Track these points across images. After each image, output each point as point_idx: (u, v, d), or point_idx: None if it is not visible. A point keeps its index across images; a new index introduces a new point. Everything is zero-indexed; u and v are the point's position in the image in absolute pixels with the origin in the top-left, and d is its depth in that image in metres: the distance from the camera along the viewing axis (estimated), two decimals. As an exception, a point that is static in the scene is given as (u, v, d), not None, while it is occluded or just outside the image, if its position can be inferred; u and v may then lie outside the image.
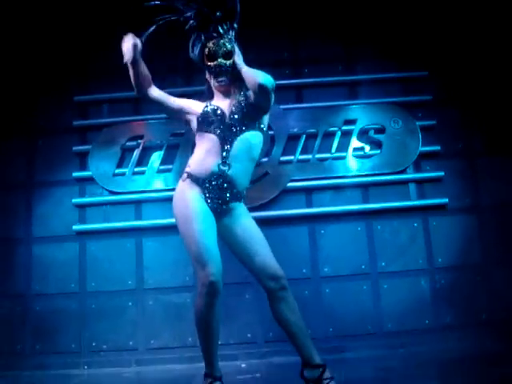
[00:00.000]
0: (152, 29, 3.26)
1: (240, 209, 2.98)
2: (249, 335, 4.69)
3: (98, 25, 5.33)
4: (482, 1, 5.09)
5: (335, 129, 5.04)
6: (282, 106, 5.06)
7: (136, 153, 5.06)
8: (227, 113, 2.95)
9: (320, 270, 4.86)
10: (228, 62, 2.98)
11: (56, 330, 4.83)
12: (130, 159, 5.06)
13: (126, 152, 5.11)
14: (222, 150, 2.87)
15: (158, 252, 4.94)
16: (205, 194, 2.88)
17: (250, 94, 2.93)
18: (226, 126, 2.91)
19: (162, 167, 5.04)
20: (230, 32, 3.06)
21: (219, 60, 2.97)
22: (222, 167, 2.85)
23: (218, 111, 2.96)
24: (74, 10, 5.25)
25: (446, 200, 4.93)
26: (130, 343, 4.77)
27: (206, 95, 3.14)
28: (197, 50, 3.07)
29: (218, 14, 3.02)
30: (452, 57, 5.26)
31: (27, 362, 4.74)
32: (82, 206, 5.06)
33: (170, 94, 3.26)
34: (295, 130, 5.04)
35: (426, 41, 5.28)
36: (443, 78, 5.24)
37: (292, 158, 4.98)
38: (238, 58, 2.99)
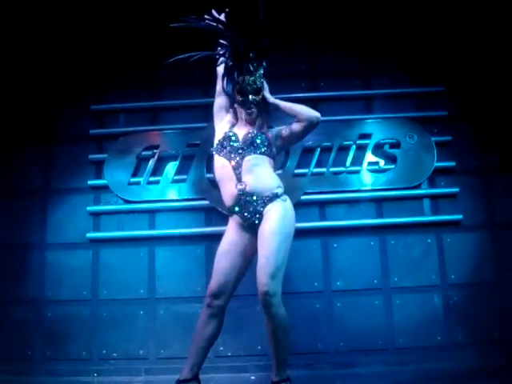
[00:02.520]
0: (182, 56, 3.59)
1: (271, 210, 3.19)
2: (259, 347, 4.67)
3: (116, 35, 5.39)
4: (499, 18, 5.09)
5: (350, 143, 5.04)
6: (297, 119, 5.07)
7: (151, 162, 5.08)
8: (241, 138, 3.32)
9: (332, 283, 4.84)
10: (258, 98, 3.34)
11: (67, 336, 4.84)
12: (145, 169, 5.08)
13: (142, 161, 5.13)
14: (234, 170, 3.22)
15: (171, 262, 4.94)
16: (241, 215, 3.22)
17: (288, 128, 3.40)
18: (236, 150, 3.27)
19: (176, 177, 5.06)
20: (260, 69, 3.39)
21: (250, 96, 3.32)
22: (240, 187, 3.18)
23: (233, 137, 3.34)
24: (93, 20, 5.32)
25: (460, 216, 4.90)
26: (141, 352, 4.77)
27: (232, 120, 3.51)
28: (230, 87, 3.39)
29: (251, 54, 3.33)
30: (468, 73, 5.25)
31: (37, 368, 4.75)
32: (96, 214, 5.08)
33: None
34: (310, 143, 5.04)
35: (443, 56, 5.28)
36: (459, 94, 5.23)
37: (306, 170, 4.98)
38: (267, 93, 3.38)
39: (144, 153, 5.12)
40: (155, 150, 5.10)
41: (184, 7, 5.18)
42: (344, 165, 5.00)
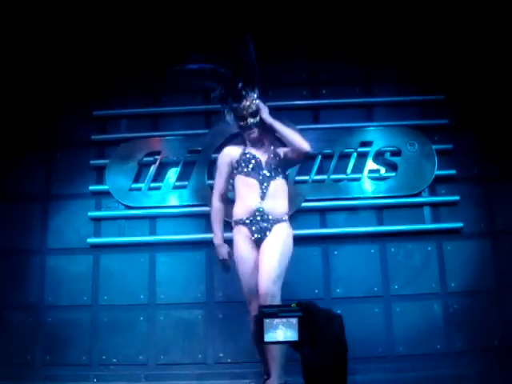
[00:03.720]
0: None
1: (276, 229, 3.57)
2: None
3: (118, 41, 5.41)
4: (499, 27, 5.10)
5: (351, 150, 5.05)
6: (298, 127, 5.06)
7: (152, 168, 5.09)
8: (264, 161, 3.67)
9: (332, 290, 4.84)
10: (255, 120, 3.67)
11: (67, 342, 4.83)
12: (147, 174, 5.09)
13: (143, 167, 5.14)
14: (261, 191, 3.57)
15: (171, 268, 4.95)
16: (251, 228, 3.56)
17: (283, 150, 3.71)
18: (263, 173, 3.63)
19: (177, 183, 5.07)
20: (253, 92, 3.71)
21: (248, 120, 3.67)
22: (259, 205, 3.55)
23: (257, 160, 3.67)
24: (96, 26, 5.34)
25: (460, 224, 4.91)
26: (140, 358, 4.76)
27: (239, 141, 3.90)
28: (230, 116, 3.77)
29: (239, 85, 3.68)
30: (469, 81, 5.26)
31: (37, 373, 4.74)
32: (97, 220, 5.09)
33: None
34: (311, 150, 5.05)
35: (444, 65, 5.29)
36: (460, 103, 5.24)
37: (307, 178, 4.99)
38: (266, 114, 3.67)
39: (145, 159, 5.13)
40: (156, 156, 5.11)
41: (185, 16, 5.31)
42: (345, 172, 5.01)
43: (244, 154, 3.74)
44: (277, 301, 3.33)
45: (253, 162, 3.68)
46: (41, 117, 5.37)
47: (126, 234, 5.04)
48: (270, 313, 2.23)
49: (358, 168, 5.02)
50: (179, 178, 5.07)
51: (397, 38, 5.35)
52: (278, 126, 3.66)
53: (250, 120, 3.67)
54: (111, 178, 5.12)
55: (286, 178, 3.78)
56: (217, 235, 3.81)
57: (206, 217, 4.95)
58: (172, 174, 5.10)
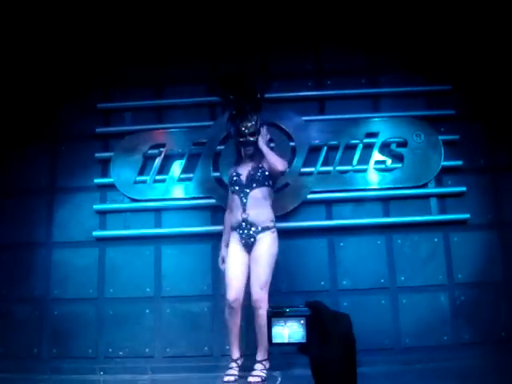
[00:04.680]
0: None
1: (263, 238, 4.14)
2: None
3: (121, 33, 5.40)
4: (506, 16, 5.05)
5: (357, 141, 5.02)
6: (304, 118, 5.07)
7: (157, 161, 5.08)
8: (245, 176, 4.23)
9: (338, 282, 4.83)
10: (253, 139, 4.21)
11: (73, 334, 4.85)
12: (152, 167, 5.08)
13: (148, 160, 5.14)
14: (241, 203, 4.16)
15: (177, 260, 4.95)
16: (240, 235, 4.16)
17: (269, 167, 4.20)
18: (242, 187, 4.21)
19: (182, 176, 5.06)
20: (256, 116, 4.25)
21: (247, 138, 4.21)
22: (243, 216, 4.13)
23: (239, 177, 4.24)
24: (99, 19, 5.33)
25: (467, 215, 4.88)
26: (146, 350, 4.77)
27: (236, 157, 4.46)
28: (233, 129, 4.29)
29: (247, 107, 4.24)
30: (476, 71, 5.22)
31: (43, 366, 4.76)
32: (102, 213, 5.09)
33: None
34: (317, 141, 5.04)
35: (450, 55, 5.26)
36: (467, 93, 5.21)
37: (313, 169, 4.97)
38: (262, 139, 4.23)
39: (150, 151, 5.12)
40: (161, 149, 5.10)
41: (188, 7, 5.29)
42: (351, 163, 4.98)
43: (231, 173, 4.35)
44: (264, 304, 3.97)
45: (235, 179, 4.26)
46: (45, 110, 5.37)
47: (132, 226, 5.04)
48: (278, 312, 2.26)
49: (364, 159, 4.99)
50: (184, 171, 5.06)
51: (403, 27, 5.31)
52: (265, 150, 4.21)
53: (249, 138, 4.21)
54: (116, 170, 5.11)
55: (269, 186, 4.26)
56: (223, 239, 4.42)
57: (212, 209, 4.98)
58: (177, 166, 5.08)
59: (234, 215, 4.22)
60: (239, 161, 4.40)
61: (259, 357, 4.16)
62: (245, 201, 4.17)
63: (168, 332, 4.81)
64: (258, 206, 4.18)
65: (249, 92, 4.31)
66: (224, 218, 4.46)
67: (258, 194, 4.20)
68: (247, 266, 4.18)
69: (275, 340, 2.22)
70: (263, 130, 4.32)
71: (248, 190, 4.19)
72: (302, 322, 2.22)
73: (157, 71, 5.39)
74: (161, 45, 5.41)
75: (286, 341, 2.20)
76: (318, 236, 4.90)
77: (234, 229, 4.24)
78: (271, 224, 4.20)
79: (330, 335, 2.18)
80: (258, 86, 4.38)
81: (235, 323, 4.14)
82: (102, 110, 5.34)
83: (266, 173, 4.24)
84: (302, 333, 2.20)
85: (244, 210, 4.15)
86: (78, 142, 5.27)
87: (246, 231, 4.15)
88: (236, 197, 4.23)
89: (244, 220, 4.14)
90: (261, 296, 4.03)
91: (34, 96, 5.38)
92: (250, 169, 4.27)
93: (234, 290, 4.12)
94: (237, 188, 4.23)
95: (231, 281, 4.16)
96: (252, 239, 4.15)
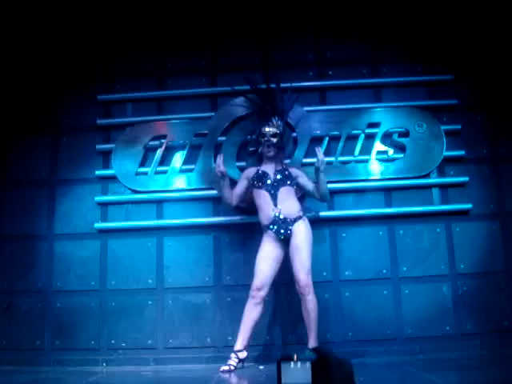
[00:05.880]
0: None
1: (297, 228, 4.31)
2: (267, 337, 4.70)
3: (122, 24, 5.39)
4: (510, 6, 5.03)
5: (359, 132, 5.01)
6: (305, 108, 5.05)
7: (159, 152, 5.07)
8: (272, 175, 4.43)
9: (341, 273, 4.83)
10: (274, 140, 4.44)
11: (76, 326, 4.86)
12: (153, 158, 5.07)
13: (149, 151, 5.12)
14: (272, 199, 4.34)
15: (179, 252, 4.95)
16: (274, 231, 4.29)
17: (301, 180, 4.50)
18: (271, 184, 4.38)
19: (184, 167, 5.05)
20: (280, 121, 4.56)
21: (271, 139, 4.44)
22: (275, 211, 4.29)
23: (266, 175, 4.42)
24: (100, 9, 5.32)
25: (469, 205, 4.88)
26: (149, 342, 4.78)
27: (257, 160, 4.70)
28: (258, 130, 4.56)
29: (269, 113, 4.60)
30: (478, 61, 5.21)
31: (46, 358, 4.78)
32: (104, 204, 5.08)
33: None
34: (318, 132, 5.03)
35: (452, 44, 5.24)
36: (469, 83, 5.20)
37: (315, 160, 4.93)
38: (322, 167, 4.33)
39: (151, 143, 5.11)
40: (163, 140, 5.09)
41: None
42: (352, 154, 4.98)
43: (257, 172, 4.49)
44: (312, 290, 4.20)
45: (263, 177, 4.42)
46: (46, 102, 5.35)
47: (133, 218, 5.04)
48: (287, 356, 2.68)
49: (366, 149, 4.99)
50: (186, 162, 5.06)
51: (405, 17, 5.29)
52: (322, 179, 4.37)
53: (272, 139, 4.44)
54: (117, 162, 5.10)
55: (292, 185, 4.45)
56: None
57: (214, 200, 4.98)
58: (178, 157, 5.08)
59: (264, 212, 4.37)
60: (260, 161, 4.60)
61: (311, 344, 4.22)
62: (275, 196, 4.35)
63: (170, 323, 4.81)
64: (287, 200, 4.36)
65: (278, 104, 4.67)
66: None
67: (286, 190, 4.38)
68: (279, 262, 4.34)
69: (284, 381, 2.61)
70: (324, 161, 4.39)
71: (276, 186, 4.38)
72: (308, 365, 2.60)
73: (158, 62, 5.38)
74: (162, 36, 5.39)
75: (293, 381, 2.56)
76: (321, 226, 4.88)
77: (266, 227, 4.34)
78: (301, 213, 4.39)
79: (334, 379, 2.49)
80: (286, 100, 4.73)
81: (252, 317, 4.22)
82: (103, 101, 5.32)
83: (291, 176, 4.46)
84: (308, 375, 2.55)
85: (275, 205, 4.31)
86: (79, 134, 5.26)
87: (280, 226, 4.28)
88: (264, 193, 4.39)
89: (275, 215, 4.29)
90: (307, 282, 4.20)
91: (35, 88, 5.37)
92: (274, 168, 4.48)
93: (260, 280, 4.24)
94: (265, 184, 4.40)
95: (260, 272, 4.27)
96: (289, 231, 4.28)
